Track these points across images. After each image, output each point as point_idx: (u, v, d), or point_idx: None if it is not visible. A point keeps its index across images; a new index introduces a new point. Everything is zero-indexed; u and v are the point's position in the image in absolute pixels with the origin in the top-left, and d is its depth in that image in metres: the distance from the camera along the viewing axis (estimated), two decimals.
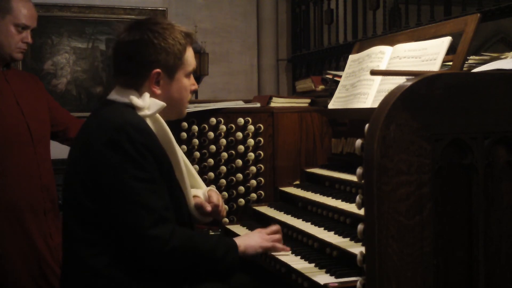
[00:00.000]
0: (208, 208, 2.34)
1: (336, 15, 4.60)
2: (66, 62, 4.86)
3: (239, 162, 3.02)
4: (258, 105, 3.17)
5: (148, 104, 2.13)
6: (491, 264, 1.75)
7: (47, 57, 4.81)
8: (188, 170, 2.31)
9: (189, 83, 2.28)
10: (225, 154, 3.00)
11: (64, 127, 3.24)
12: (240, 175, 3.02)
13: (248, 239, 2.26)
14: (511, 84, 1.77)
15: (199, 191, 2.41)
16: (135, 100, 2.12)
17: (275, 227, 2.38)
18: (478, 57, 2.37)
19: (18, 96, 3.00)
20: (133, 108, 2.12)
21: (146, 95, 2.15)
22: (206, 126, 3.00)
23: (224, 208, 2.47)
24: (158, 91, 2.18)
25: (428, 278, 1.66)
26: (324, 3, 4.82)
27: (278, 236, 2.35)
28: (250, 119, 3.03)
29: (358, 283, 1.73)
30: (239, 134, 3.02)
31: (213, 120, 3.01)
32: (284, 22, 5.45)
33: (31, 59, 4.73)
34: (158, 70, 2.15)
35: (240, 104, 3.16)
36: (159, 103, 2.14)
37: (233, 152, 3.01)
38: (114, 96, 2.19)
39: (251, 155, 3.02)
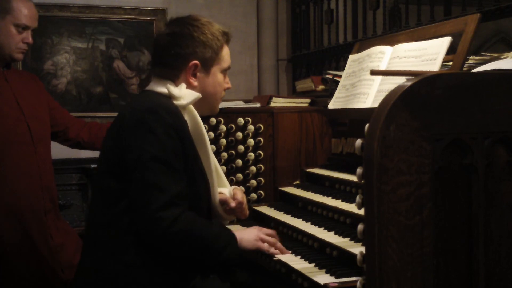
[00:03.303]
0: (233, 204, 2.41)
1: (336, 15, 4.59)
2: (66, 62, 4.86)
3: (239, 162, 3.02)
4: (258, 105, 3.17)
5: (184, 94, 2.21)
6: (491, 264, 1.75)
7: (47, 57, 4.81)
8: (215, 168, 2.36)
9: (224, 80, 2.35)
10: (225, 154, 3.00)
11: (64, 127, 3.24)
12: (240, 175, 3.02)
13: (244, 233, 2.30)
14: (511, 84, 1.77)
15: (225, 189, 2.47)
16: (172, 88, 2.20)
17: (271, 231, 2.40)
18: (478, 57, 2.37)
19: (18, 96, 3.01)
20: (169, 98, 2.19)
21: (183, 85, 2.23)
22: (206, 126, 3.00)
23: (247, 206, 2.52)
24: (194, 82, 2.26)
25: (428, 278, 1.67)
26: (324, 3, 4.81)
27: (272, 240, 2.35)
28: (250, 119, 3.03)
29: (358, 283, 1.73)
30: (239, 134, 3.02)
31: (213, 120, 3.01)
32: (284, 22, 5.44)
33: (31, 59, 4.73)
34: (195, 62, 2.24)
35: (240, 104, 3.16)
36: (195, 94, 2.22)
37: (233, 152, 3.01)
38: (150, 86, 2.27)
39: (251, 155, 3.02)
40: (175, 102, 2.18)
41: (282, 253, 2.34)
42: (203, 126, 2.25)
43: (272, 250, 2.33)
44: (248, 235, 2.28)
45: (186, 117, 2.19)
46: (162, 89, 2.22)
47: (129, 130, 2.09)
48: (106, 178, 2.13)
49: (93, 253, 2.14)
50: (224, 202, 2.40)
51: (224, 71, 2.34)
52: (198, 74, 2.26)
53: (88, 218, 2.27)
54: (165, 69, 2.26)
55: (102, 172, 2.18)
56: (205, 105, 2.31)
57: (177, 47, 2.23)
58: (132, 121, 2.10)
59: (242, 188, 2.98)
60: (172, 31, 2.26)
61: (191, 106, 2.22)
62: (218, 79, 2.32)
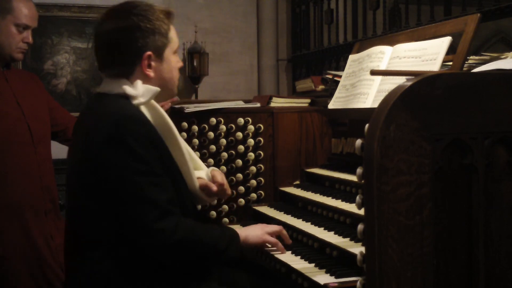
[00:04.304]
0: (214, 188, 2.36)
1: (336, 15, 4.60)
2: (66, 62, 4.86)
3: (239, 162, 3.02)
4: (258, 105, 3.16)
5: (141, 91, 2.09)
6: (491, 264, 1.75)
7: (47, 57, 4.81)
8: (189, 153, 2.28)
9: (176, 60, 2.26)
10: (225, 154, 3.00)
11: (64, 127, 3.24)
12: (240, 175, 3.02)
13: (250, 229, 2.29)
14: (511, 84, 1.77)
15: (202, 172, 2.42)
16: (128, 89, 2.08)
17: (277, 226, 2.40)
18: (478, 57, 2.36)
19: (18, 96, 3.00)
20: (127, 98, 2.08)
21: (138, 82, 2.11)
22: (206, 126, 3.00)
23: (228, 186, 2.49)
24: (151, 74, 2.15)
25: (428, 278, 1.67)
26: (324, 3, 4.82)
27: (277, 228, 2.37)
28: (250, 119, 3.03)
29: (358, 283, 1.73)
30: (239, 134, 3.02)
31: (213, 120, 3.00)
32: (284, 22, 5.45)
33: (31, 59, 4.73)
34: (149, 52, 2.12)
35: (240, 104, 3.16)
36: (153, 89, 2.11)
37: (233, 152, 3.01)
38: (105, 88, 2.15)
39: (251, 155, 3.02)
40: (134, 101, 2.07)
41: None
42: (166, 116, 2.15)
43: (280, 245, 2.33)
44: (254, 231, 2.28)
45: (148, 113, 2.09)
46: (117, 90, 2.10)
47: (101, 148, 1.99)
48: (83, 195, 2.04)
49: (85, 273, 2.05)
50: (204, 188, 2.34)
51: (175, 52, 2.24)
52: (153, 63, 2.15)
53: (66, 235, 2.16)
54: (118, 68, 2.14)
55: (77, 188, 2.09)
56: (164, 92, 2.20)
57: (127, 42, 2.10)
58: (102, 138, 1.99)
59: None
60: (117, 26, 2.12)
61: (152, 101, 2.12)
62: (172, 62, 2.22)
